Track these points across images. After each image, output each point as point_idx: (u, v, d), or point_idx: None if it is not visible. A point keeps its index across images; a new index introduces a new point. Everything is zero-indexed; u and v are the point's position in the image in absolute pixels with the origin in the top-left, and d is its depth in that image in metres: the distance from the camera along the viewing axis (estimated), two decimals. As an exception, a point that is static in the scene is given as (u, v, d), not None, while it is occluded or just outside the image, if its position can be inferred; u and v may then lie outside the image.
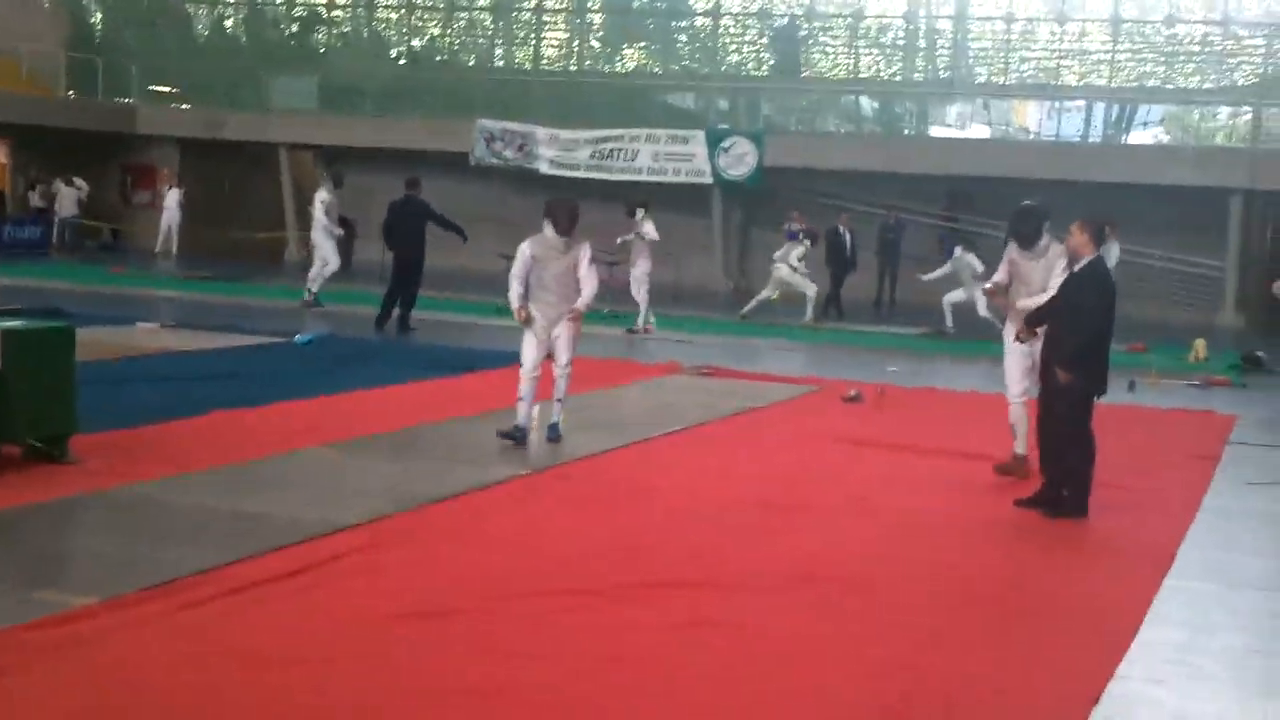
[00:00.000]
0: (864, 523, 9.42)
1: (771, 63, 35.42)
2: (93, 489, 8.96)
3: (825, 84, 35.25)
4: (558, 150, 32.50)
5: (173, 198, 32.69)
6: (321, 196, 21.54)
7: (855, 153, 31.36)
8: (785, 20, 35.09)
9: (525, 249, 11.26)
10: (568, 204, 11.38)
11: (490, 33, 37.87)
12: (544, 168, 32.38)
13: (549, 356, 11.44)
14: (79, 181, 32.88)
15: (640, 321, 21.38)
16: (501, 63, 37.54)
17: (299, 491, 9.42)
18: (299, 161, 35.08)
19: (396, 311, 19.68)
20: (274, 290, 25.21)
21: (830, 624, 7.04)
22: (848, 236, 27.17)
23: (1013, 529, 9.55)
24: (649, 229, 21.18)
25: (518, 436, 11.13)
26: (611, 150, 32.13)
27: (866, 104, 35.55)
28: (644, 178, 31.60)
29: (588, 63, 37.54)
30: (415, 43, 38.21)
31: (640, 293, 21.24)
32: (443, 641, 6.37)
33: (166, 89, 37.56)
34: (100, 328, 17.69)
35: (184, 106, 36.71)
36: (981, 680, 6.29)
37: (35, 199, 33.33)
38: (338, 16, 38.92)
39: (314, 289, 21.91)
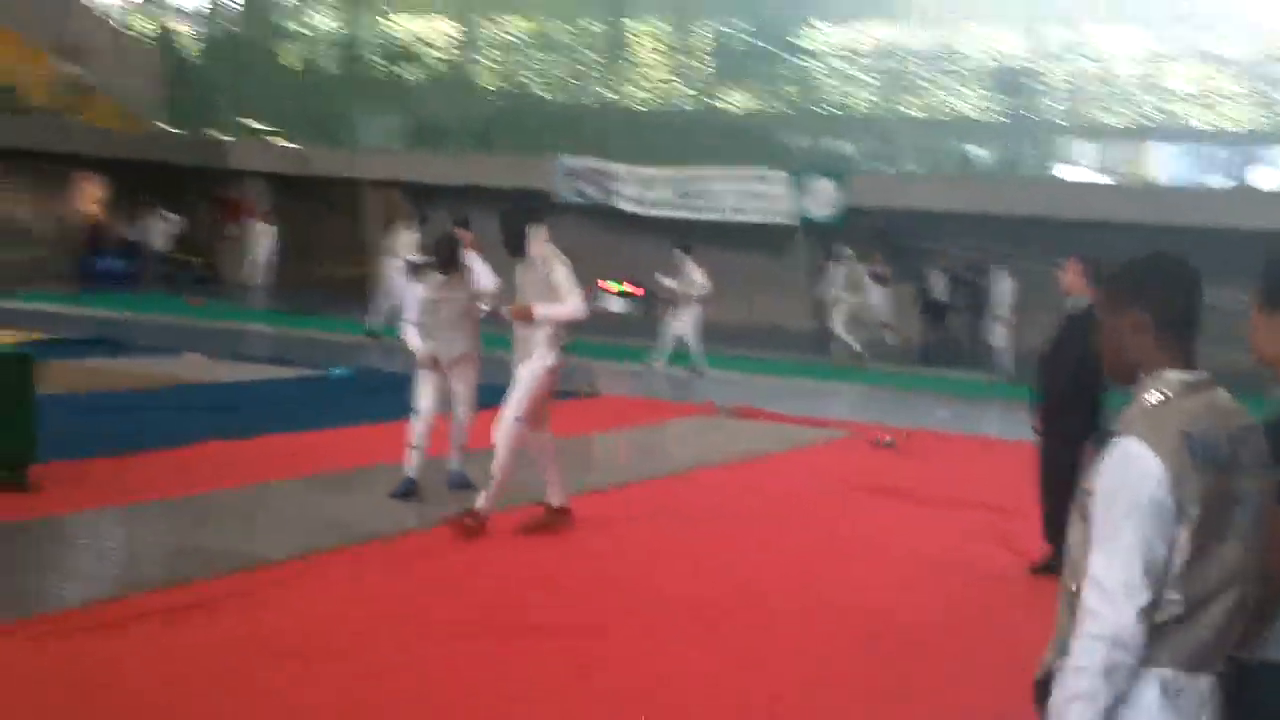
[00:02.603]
0: (823, 562, 9.07)
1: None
2: (25, 517, 8.90)
3: (921, 123, 34.85)
4: (639, 188, 32.35)
5: (262, 232, 33.03)
6: (403, 234, 21.59)
7: (944, 193, 30.74)
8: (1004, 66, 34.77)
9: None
10: (446, 240, 10.81)
11: (581, 71, 38.03)
12: (625, 205, 32.23)
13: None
14: (170, 215, 33.39)
15: (656, 359, 20.95)
16: (591, 101, 37.68)
17: (243, 524, 9.34)
18: (384, 198, 35.30)
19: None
20: (345, 324, 25.35)
21: (706, 658, 6.74)
22: (943, 281, 26.69)
23: (992, 580, 9.13)
24: (696, 275, 20.88)
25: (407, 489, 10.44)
26: (693, 189, 31.90)
27: (973, 146, 35.12)
28: (726, 216, 31.33)
29: (686, 105, 37.63)
30: (503, 80, 38.46)
31: (689, 337, 20.77)
32: (298, 683, 6.17)
33: (258, 125, 38.06)
34: (146, 358, 17.94)
35: (275, 142, 37.14)
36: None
37: (129, 232, 33.87)
38: (428, 54, 39.27)
39: (374, 323, 21.92)
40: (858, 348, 23.54)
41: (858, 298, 24.41)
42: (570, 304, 9.21)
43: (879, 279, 26.55)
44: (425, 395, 10.43)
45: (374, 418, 13.64)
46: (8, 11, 34.74)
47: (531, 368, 9.34)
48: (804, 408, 17.32)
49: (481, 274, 10.85)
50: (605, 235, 30.72)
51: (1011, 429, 14.38)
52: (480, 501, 9.31)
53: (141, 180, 33.96)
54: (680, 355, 20.92)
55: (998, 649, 7.27)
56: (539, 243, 9.32)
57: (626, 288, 22.64)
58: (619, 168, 32.48)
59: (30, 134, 30.72)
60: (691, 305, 20.89)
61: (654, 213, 31.61)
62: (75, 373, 15.66)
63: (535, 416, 9.45)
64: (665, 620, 7.55)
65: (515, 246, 9.32)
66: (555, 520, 9.63)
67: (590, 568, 8.73)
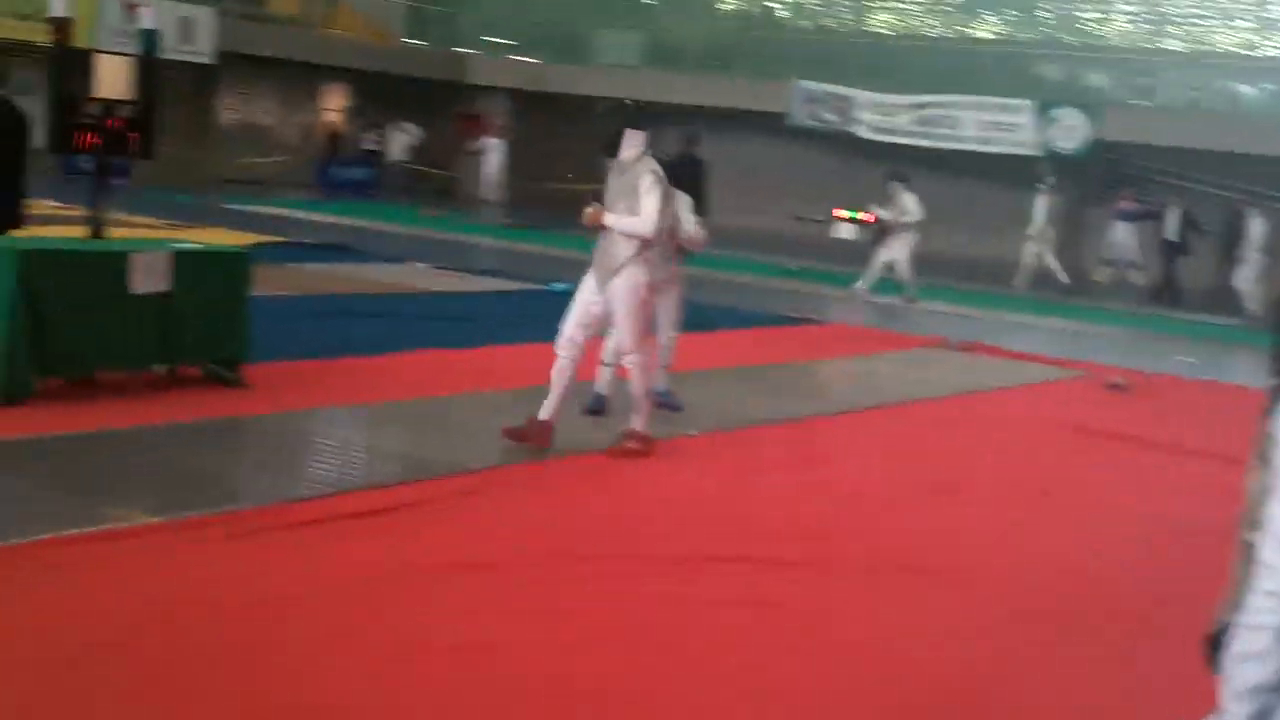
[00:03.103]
0: (1036, 516, 8.54)
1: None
2: (233, 414, 8.92)
3: (1182, 57, 33.28)
4: (878, 115, 31.54)
5: (494, 147, 33.21)
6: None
7: (1202, 131, 29.29)
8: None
9: None
10: (617, 110, 10.47)
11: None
12: (863, 132, 31.50)
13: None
14: (410, 127, 33.79)
15: (860, 284, 20.60)
16: (832, 22, 36.99)
17: (444, 433, 9.23)
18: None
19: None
20: (574, 240, 25.26)
21: (904, 617, 6.32)
22: (1177, 218, 25.51)
23: (1204, 534, 8.50)
24: (910, 204, 20.29)
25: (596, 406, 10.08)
26: (934, 117, 31.00)
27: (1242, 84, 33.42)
28: (967, 146, 30.49)
29: (933, 32, 36.72)
30: (745, 2, 37.94)
31: (901, 266, 20.35)
32: (462, 595, 5.98)
33: (499, 40, 38.19)
34: (375, 264, 18.12)
35: (514, 59, 37.25)
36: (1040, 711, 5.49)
37: (368, 142, 34.39)
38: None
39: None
40: (1061, 275, 23.02)
41: (1052, 230, 23.44)
42: (642, 219, 8.61)
43: (1129, 216, 25.48)
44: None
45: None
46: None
47: (619, 287, 8.77)
48: (1039, 345, 16.64)
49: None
50: (841, 162, 30.05)
51: (1255, 376, 13.52)
52: (635, 423, 8.97)
53: (383, 92, 34.42)
54: (890, 284, 20.45)
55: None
56: (633, 148, 8.76)
57: (859, 215, 22.04)
58: (859, 94, 31.74)
59: (278, 43, 31.32)
60: (905, 234, 20.35)
61: (893, 140, 30.91)
62: (303, 276, 15.88)
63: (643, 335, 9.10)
64: (843, 561, 7.15)
65: (610, 147, 8.81)
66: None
67: (781, 498, 8.35)
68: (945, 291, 22.30)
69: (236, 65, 30.84)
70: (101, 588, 5.60)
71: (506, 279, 18.05)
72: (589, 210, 8.80)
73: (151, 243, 9.81)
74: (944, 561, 7.24)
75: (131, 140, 9.95)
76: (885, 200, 20.76)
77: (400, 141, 33.75)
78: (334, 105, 35.24)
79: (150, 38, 10.15)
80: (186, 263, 9.31)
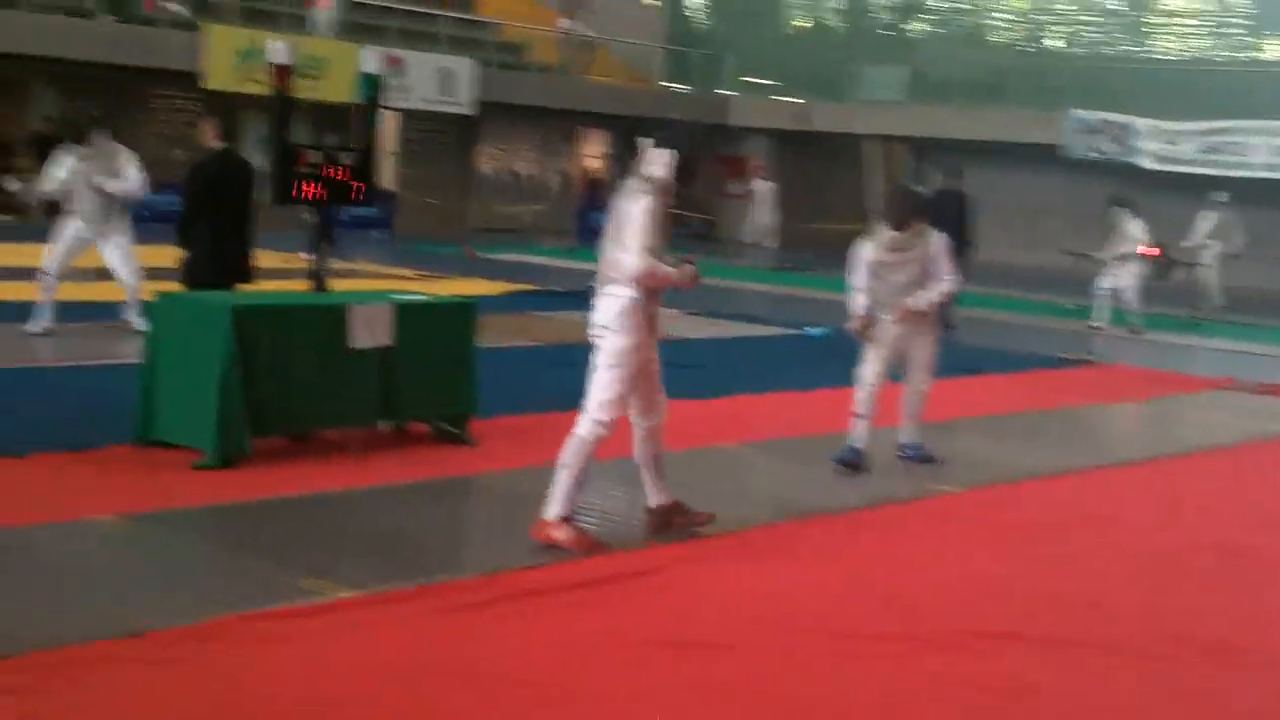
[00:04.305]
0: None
1: None
2: (458, 473, 8.46)
3: None
4: (1160, 143, 30.01)
5: (763, 189, 32.60)
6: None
7: None
8: None
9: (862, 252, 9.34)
10: (903, 192, 9.60)
11: (1103, 20, 35.86)
12: (1145, 162, 30.01)
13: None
14: (669, 171, 33.44)
15: (1096, 320, 19.52)
16: (1108, 50, 35.51)
17: (679, 491, 8.54)
18: (887, 153, 34.29)
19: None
20: (838, 282, 24.51)
21: (1204, 711, 5.39)
22: None
23: None
24: (1135, 232, 19.27)
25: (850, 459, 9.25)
26: (1221, 144, 29.31)
27: None
28: (1258, 173, 28.74)
29: (1219, 53, 34.96)
30: (1013, 31, 36.72)
31: (1129, 294, 19.31)
32: (698, 678, 5.30)
33: (761, 81, 37.69)
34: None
35: (776, 99, 36.68)
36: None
37: (627, 187, 34.17)
38: (934, 4, 37.90)
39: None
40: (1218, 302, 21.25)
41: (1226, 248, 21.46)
42: (627, 256, 6.83)
43: None
44: (870, 362, 9.34)
45: (845, 381, 12.71)
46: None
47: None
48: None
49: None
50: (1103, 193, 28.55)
51: None
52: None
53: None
54: (1116, 313, 19.43)
55: None
56: (654, 166, 7.01)
57: (1145, 249, 20.75)
58: (1139, 122, 30.26)
59: (537, 92, 31.38)
60: (1129, 262, 19.29)
61: (1178, 169, 29.36)
62: (549, 325, 15.51)
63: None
64: (1128, 640, 6.21)
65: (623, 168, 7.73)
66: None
67: (1053, 564, 7.42)
68: (1235, 327, 20.82)
69: (495, 114, 31.01)
70: (288, 666, 5.15)
71: (759, 324, 17.38)
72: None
73: (373, 295, 9.41)
74: (1250, 643, 6.25)
75: (355, 189, 9.58)
76: (1108, 228, 19.71)
77: (660, 187, 33.43)
78: (593, 151, 35.19)
79: (370, 82, 9.78)
80: (409, 316, 8.89)
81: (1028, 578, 7.08)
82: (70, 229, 12.22)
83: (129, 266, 12.24)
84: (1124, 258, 19.35)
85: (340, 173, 9.56)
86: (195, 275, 9.77)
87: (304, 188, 9.37)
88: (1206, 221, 22.29)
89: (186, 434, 8.09)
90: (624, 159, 34.25)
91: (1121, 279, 19.37)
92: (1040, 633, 6.12)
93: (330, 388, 8.52)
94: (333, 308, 8.68)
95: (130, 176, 11.90)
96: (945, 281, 9.31)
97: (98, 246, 12.26)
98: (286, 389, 8.29)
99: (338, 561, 6.57)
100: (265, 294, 9.69)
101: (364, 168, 9.74)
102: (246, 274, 10.16)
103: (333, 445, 8.79)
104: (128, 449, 8.19)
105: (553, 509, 6.96)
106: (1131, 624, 6.39)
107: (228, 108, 22.71)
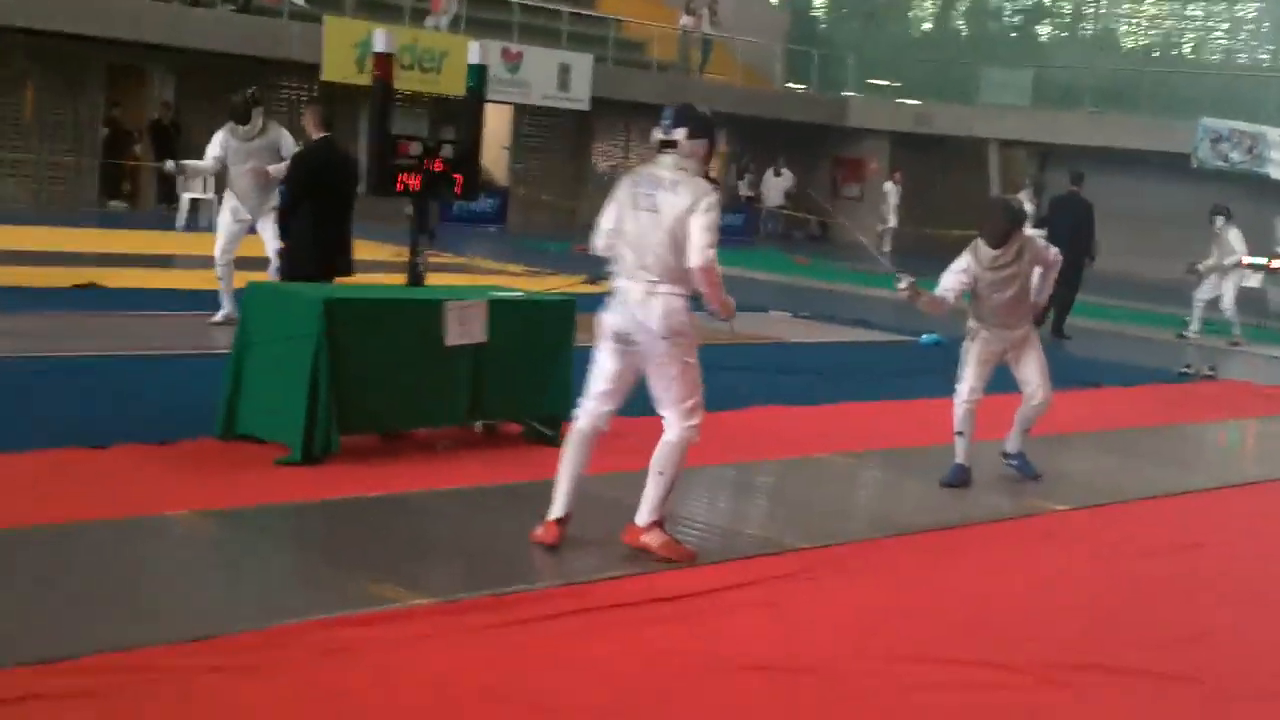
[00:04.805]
0: None
1: None
2: (548, 477, 8.17)
3: None
4: (1295, 153, 29.11)
5: (890, 191, 32.22)
6: (1021, 199, 20.23)
7: None
8: None
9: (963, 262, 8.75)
10: (1001, 207, 9.15)
11: (1232, 28, 34.98)
12: (1275, 172, 29.13)
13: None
14: (785, 171, 33.12)
15: (1190, 331, 19.30)
16: (1243, 58, 34.63)
17: (762, 502, 8.34)
18: (1008, 158, 33.65)
19: (1051, 316, 17.96)
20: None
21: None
22: None
23: None
24: (1232, 239, 18.83)
25: (954, 478, 8.88)
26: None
27: None
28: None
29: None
30: (1144, 37, 35.90)
31: (1226, 306, 19.00)
32: (787, 706, 5.05)
33: (881, 82, 37.19)
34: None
35: (897, 101, 36.17)
36: None
37: (743, 187, 33.87)
38: (1063, 8, 37.17)
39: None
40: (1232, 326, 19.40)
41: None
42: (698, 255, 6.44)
43: None
44: (968, 377, 8.95)
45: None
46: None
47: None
48: None
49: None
50: (1250, 205, 27.64)
51: None
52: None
53: (762, 136, 33.86)
54: (1217, 325, 19.16)
55: None
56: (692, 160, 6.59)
57: (1270, 261, 20.11)
58: (1271, 131, 29.38)
59: (654, 88, 31.15)
60: (1231, 274, 18.95)
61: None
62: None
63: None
64: (1237, 677, 5.84)
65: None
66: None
67: (1161, 591, 7.06)
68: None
69: (611, 111, 30.84)
70: (357, 678, 4.97)
71: (876, 329, 17.01)
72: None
73: (468, 291, 9.22)
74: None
75: (456, 182, 9.40)
76: (1211, 238, 19.22)
77: (776, 186, 33.11)
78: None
79: (477, 74, 9.59)
80: (504, 312, 8.69)
81: (1130, 607, 6.72)
82: (228, 213, 12.24)
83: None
84: (1227, 268, 18.94)
85: (441, 165, 9.38)
86: (294, 266, 9.66)
87: (403, 179, 9.20)
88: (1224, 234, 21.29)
89: (273, 429, 7.96)
90: (742, 158, 34.04)
91: (1222, 289, 19.00)
92: (1139, 666, 5.78)
93: (422, 385, 8.36)
94: (427, 303, 8.50)
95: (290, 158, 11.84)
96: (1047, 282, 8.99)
97: (257, 227, 12.23)
98: (377, 386, 8.13)
99: (416, 567, 6.39)
100: (359, 287, 9.54)
101: (467, 160, 9.56)
102: (347, 266, 10.03)
103: (422, 444, 8.63)
104: (214, 443, 8.08)
105: (644, 514, 6.72)
106: (1233, 661, 6.02)
107: (345, 100, 22.79)
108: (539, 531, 6.74)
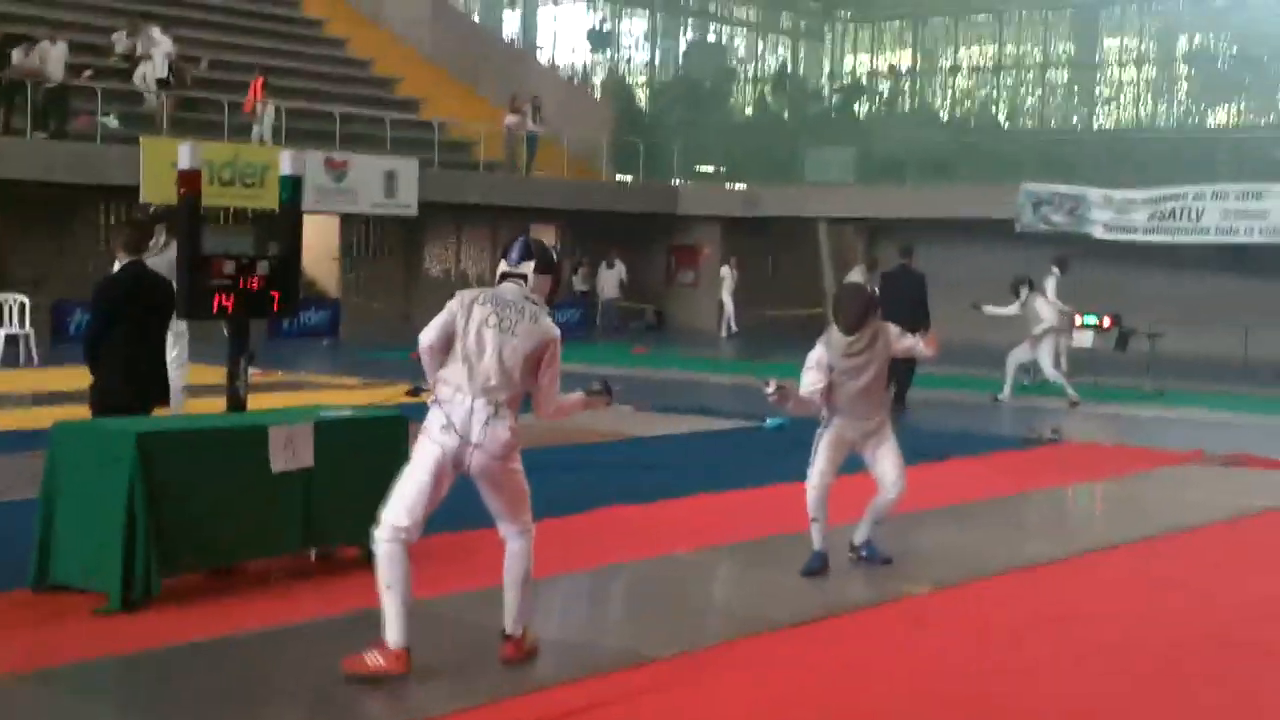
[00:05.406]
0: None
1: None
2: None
3: None
4: (1112, 213, 29.80)
5: (727, 275, 32.37)
6: (856, 276, 20.25)
7: None
8: None
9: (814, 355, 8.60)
10: (853, 293, 9.03)
11: (1044, 94, 35.99)
12: (1097, 232, 29.80)
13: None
14: (618, 263, 33.07)
15: (1002, 394, 19.59)
16: (1059, 124, 35.64)
17: (623, 608, 8.02)
18: (838, 235, 34.00)
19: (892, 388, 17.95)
20: (795, 368, 24.00)
21: None
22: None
23: None
24: (1039, 308, 19.29)
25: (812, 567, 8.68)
26: (1173, 210, 29.09)
27: None
28: (1211, 238, 28.63)
29: (1166, 120, 35.14)
30: (960, 108, 36.77)
31: (1044, 365, 19.32)
32: None
33: (708, 169, 37.52)
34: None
35: (725, 186, 36.53)
36: None
37: (578, 282, 33.74)
38: (880, 85, 37.95)
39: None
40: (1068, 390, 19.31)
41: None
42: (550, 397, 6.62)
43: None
44: (819, 461, 8.74)
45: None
46: (463, 68, 35.45)
47: None
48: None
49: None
50: (1079, 263, 28.18)
51: None
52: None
53: (592, 229, 33.84)
54: (1027, 385, 19.65)
55: None
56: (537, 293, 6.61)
57: (1097, 321, 20.39)
58: (1091, 192, 30.09)
59: (483, 188, 30.99)
60: (1044, 340, 19.29)
61: (1130, 238, 29.26)
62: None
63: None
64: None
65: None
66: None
67: (1040, 673, 6.86)
68: (1197, 396, 20.42)
69: (442, 214, 30.57)
70: None
71: (719, 417, 16.81)
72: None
73: (293, 413, 8.81)
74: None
75: (274, 299, 9.01)
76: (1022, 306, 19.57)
77: (610, 279, 33.02)
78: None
79: (290, 185, 9.23)
80: (332, 432, 8.29)
81: (1008, 693, 6.50)
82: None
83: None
84: (1039, 337, 19.25)
85: (259, 282, 8.98)
86: (105, 399, 9.11)
87: (219, 299, 8.79)
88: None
89: (88, 576, 7.44)
90: (574, 252, 33.96)
91: (1037, 356, 19.31)
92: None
93: (249, 516, 7.91)
94: (249, 429, 8.08)
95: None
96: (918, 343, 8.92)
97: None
98: (200, 520, 7.65)
99: (249, 717, 5.93)
100: (174, 418, 9.06)
101: (284, 275, 9.16)
102: (164, 395, 9.52)
103: (254, 578, 8.16)
104: (26, 594, 7.53)
105: (517, 624, 6.63)
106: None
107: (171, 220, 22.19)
108: (380, 661, 6.33)
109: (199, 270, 8.81)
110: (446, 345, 6.48)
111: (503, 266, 6.63)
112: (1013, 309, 19.60)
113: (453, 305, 6.52)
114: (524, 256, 6.57)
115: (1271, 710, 6.45)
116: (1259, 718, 6.33)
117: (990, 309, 20.02)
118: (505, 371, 6.35)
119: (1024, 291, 19.46)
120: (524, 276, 6.53)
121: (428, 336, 6.54)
